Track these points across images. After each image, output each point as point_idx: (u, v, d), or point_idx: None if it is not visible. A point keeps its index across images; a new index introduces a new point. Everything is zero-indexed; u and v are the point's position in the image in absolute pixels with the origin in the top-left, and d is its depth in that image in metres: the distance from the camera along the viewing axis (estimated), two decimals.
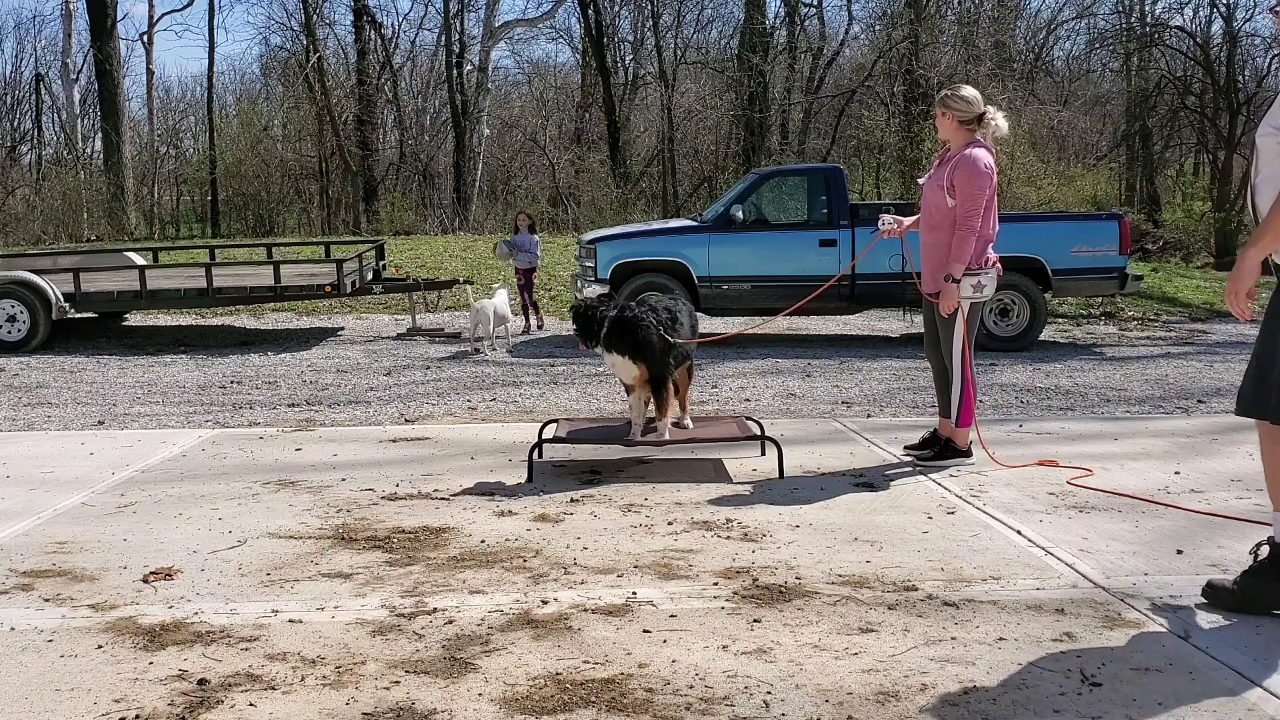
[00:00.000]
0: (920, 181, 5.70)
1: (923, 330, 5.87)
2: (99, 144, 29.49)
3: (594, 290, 10.74)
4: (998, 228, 5.48)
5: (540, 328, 12.50)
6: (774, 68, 28.56)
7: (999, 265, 5.51)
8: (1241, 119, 25.28)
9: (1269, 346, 3.45)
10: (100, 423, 7.56)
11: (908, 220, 5.81)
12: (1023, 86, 24.79)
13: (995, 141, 5.47)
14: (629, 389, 5.68)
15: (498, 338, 11.04)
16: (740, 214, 11.04)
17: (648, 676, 3.08)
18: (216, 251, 14.61)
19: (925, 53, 24.26)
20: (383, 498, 5.07)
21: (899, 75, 25.28)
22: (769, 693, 2.97)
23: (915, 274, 5.76)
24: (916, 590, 3.75)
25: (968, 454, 5.59)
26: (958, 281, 5.33)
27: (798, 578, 3.89)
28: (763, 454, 5.76)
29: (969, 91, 5.47)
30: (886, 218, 5.84)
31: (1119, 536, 4.33)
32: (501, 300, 11.04)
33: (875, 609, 3.58)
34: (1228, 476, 5.22)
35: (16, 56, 46.66)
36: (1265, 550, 3.50)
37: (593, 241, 11.42)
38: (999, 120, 5.42)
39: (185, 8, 34.95)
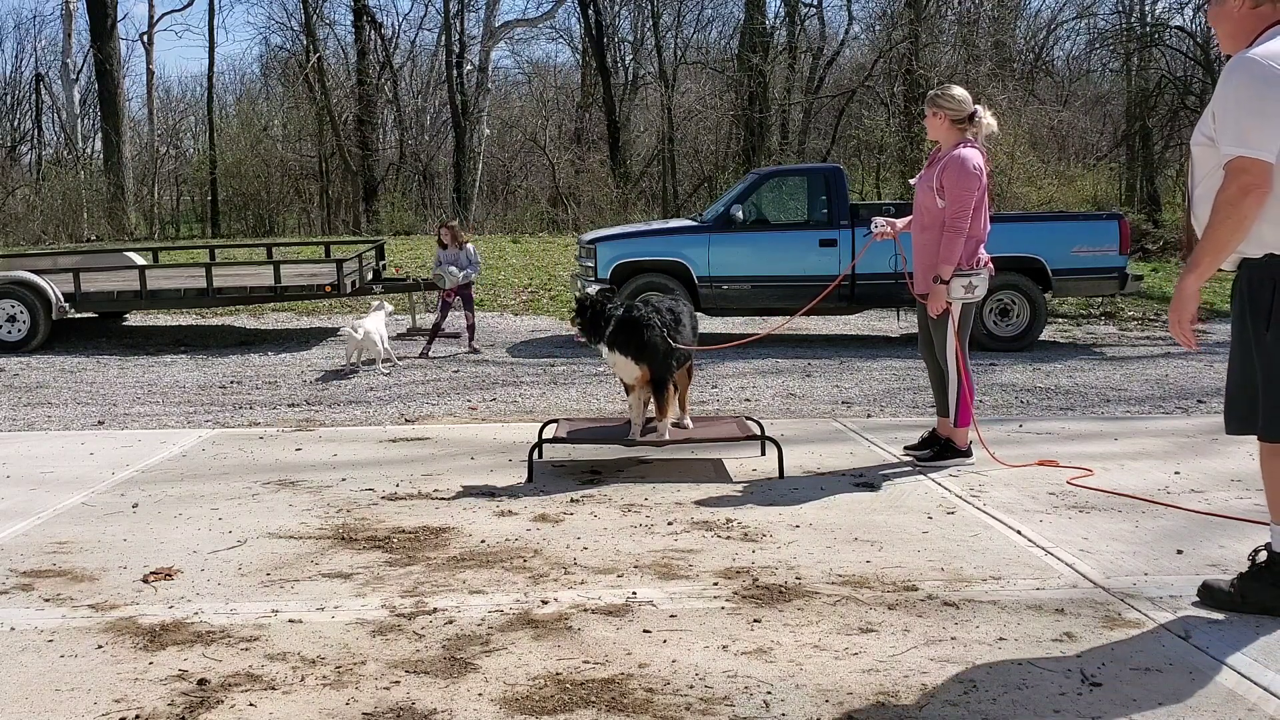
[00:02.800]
0: (912, 182, 5.71)
1: (918, 330, 5.88)
2: (99, 144, 29.48)
3: (595, 290, 10.71)
4: (989, 228, 5.48)
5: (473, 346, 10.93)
6: (774, 68, 28.52)
7: (991, 265, 5.52)
8: None
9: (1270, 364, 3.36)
10: (100, 423, 7.56)
11: (901, 222, 5.81)
12: (1023, 86, 24.77)
13: (987, 140, 5.48)
14: (629, 389, 5.68)
15: (385, 362, 9.80)
16: (740, 214, 11.03)
17: (648, 676, 3.08)
18: (216, 251, 14.63)
19: (925, 53, 24.26)
20: (383, 498, 5.07)
21: (899, 75, 25.25)
22: (769, 693, 2.97)
23: (907, 275, 5.76)
24: (916, 590, 3.75)
25: (967, 454, 5.59)
26: (947, 283, 5.34)
27: (798, 578, 3.89)
28: (763, 454, 5.76)
29: (959, 91, 5.49)
30: (879, 220, 5.84)
31: (1119, 536, 4.33)
32: (377, 323, 9.76)
33: (875, 609, 3.58)
34: (1228, 476, 5.22)
35: (16, 56, 46.62)
36: (1264, 556, 3.50)
37: (593, 241, 11.41)
38: (988, 119, 5.43)
39: (185, 8, 34.94)
